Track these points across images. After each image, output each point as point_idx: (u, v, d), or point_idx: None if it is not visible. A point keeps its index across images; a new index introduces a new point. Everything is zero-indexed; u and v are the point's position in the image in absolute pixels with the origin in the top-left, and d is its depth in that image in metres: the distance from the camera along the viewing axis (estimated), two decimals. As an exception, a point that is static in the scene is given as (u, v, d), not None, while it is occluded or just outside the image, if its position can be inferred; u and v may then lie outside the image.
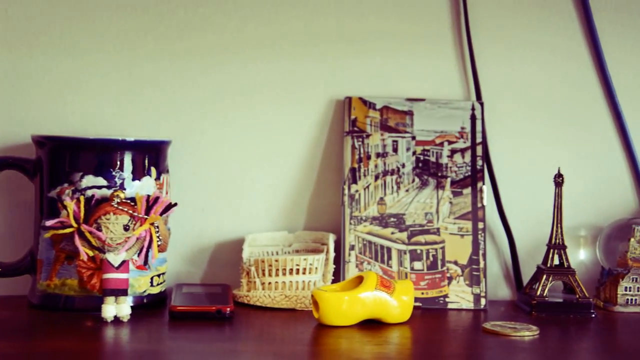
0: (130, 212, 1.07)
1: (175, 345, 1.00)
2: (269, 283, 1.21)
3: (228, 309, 1.11)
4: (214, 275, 1.32)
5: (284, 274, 1.21)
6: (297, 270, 1.21)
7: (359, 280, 1.13)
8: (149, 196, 1.09)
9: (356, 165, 1.29)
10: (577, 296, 1.22)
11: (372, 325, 1.11)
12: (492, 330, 1.09)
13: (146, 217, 1.07)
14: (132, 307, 1.13)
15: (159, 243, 1.09)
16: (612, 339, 1.10)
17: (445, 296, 1.24)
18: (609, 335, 1.13)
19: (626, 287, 1.24)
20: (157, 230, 1.08)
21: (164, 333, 1.06)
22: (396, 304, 1.11)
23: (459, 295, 1.24)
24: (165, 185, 1.19)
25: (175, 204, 1.11)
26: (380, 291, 1.10)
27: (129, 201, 1.09)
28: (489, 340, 1.06)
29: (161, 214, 1.09)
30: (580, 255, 1.34)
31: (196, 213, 1.31)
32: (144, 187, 1.14)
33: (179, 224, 1.30)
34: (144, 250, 1.08)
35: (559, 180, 1.23)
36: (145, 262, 1.08)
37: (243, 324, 1.11)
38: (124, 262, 1.07)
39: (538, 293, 1.22)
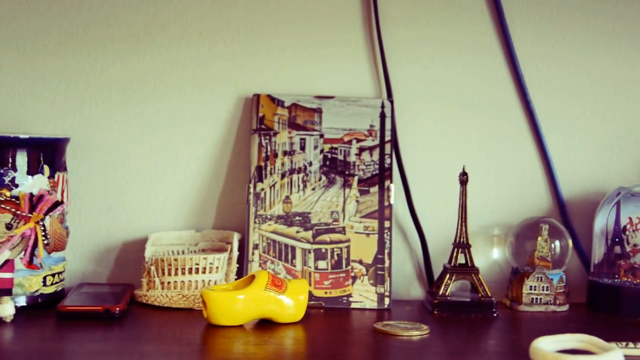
0: (13, 210, 1.06)
1: (52, 345, 0.99)
2: (168, 282, 1.19)
3: (117, 308, 1.09)
4: (121, 274, 1.30)
5: (183, 273, 1.19)
6: (197, 269, 1.19)
7: (251, 279, 1.11)
8: (32, 194, 1.07)
9: (262, 164, 1.27)
10: (480, 295, 1.20)
11: (264, 325, 1.09)
12: (381, 330, 1.07)
13: (30, 215, 1.06)
14: (25, 306, 1.12)
15: (46, 242, 1.07)
16: (503, 338, 1.09)
17: (349, 295, 1.23)
18: (501, 335, 1.11)
19: (531, 286, 1.22)
20: (43, 229, 1.07)
21: (47, 333, 1.05)
22: (288, 303, 1.10)
23: (363, 295, 1.23)
24: (61, 184, 1.17)
25: (62, 202, 1.09)
26: (270, 290, 1.09)
27: (14, 199, 1.07)
28: (376, 340, 1.05)
29: (47, 213, 1.07)
30: (493, 255, 1.33)
31: (102, 212, 1.30)
32: (35, 185, 1.13)
33: (84, 223, 1.29)
34: (29, 249, 1.06)
35: (463, 178, 1.22)
36: (31, 261, 1.07)
37: (132, 324, 1.09)
38: (7, 261, 1.06)
39: (440, 292, 1.21)
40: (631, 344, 0.97)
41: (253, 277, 1.11)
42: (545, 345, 0.91)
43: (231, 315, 1.07)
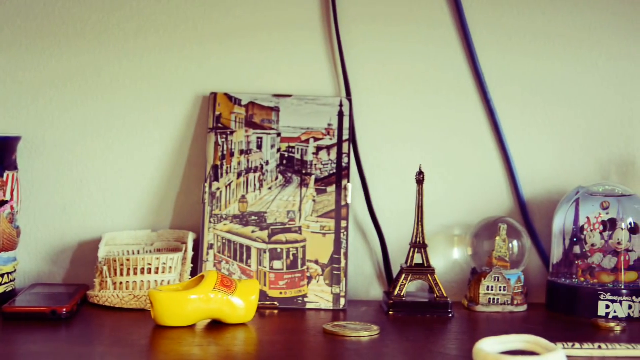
0: (-43, 209, 1.04)
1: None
2: (121, 283, 1.18)
3: (64, 309, 1.08)
4: (76, 275, 1.29)
5: (136, 274, 1.18)
6: (150, 269, 1.18)
7: (201, 279, 1.10)
8: (-25, 194, 1.06)
9: (219, 163, 1.26)
10: (436, 296, 1.19)
11: (214, 326, 1.08)
12: (330, 331, 1.06)
13: (-27, 215, 1.04)
14: (-27, 307, 1.11)
15: (-9, 242, 1.05)
16: (454, 339, 1.07)
17: (305, 296, 1.21)
18: (453, 336, 1.09)
19: (488, 287, 1.21)
20: (-12, 228, 1.05)
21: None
22: (238, 304, 1.08)
23: (318, 295, 1.21)
24: (11, 183, 1.16)
25: (8, 202, 1.08)
26: (219, 291, 1.07)
27: (-42, 199, 1.06)
28: (326, 341, 1.03)
29: (-9, 212, 1.06)
30: (454, 255, 1.31)
31: (57, 211, 1.28)
32: (-18, 184, 1.11)
33: (39, 222, 1.27)
34: (-27, 249, 1.05)
35: (419, 178, 1.20)
36: (-25, 261, 1.05)
37: (80, 325, 1.08)
38: (-50, 261, 1.04)
39: (396, 293, 1.19)
40: (577, 345, 0.96)
41: (203, 277, 1.10)
42: (489, 346, 0.90)
43: (178, 316, 1.06)
